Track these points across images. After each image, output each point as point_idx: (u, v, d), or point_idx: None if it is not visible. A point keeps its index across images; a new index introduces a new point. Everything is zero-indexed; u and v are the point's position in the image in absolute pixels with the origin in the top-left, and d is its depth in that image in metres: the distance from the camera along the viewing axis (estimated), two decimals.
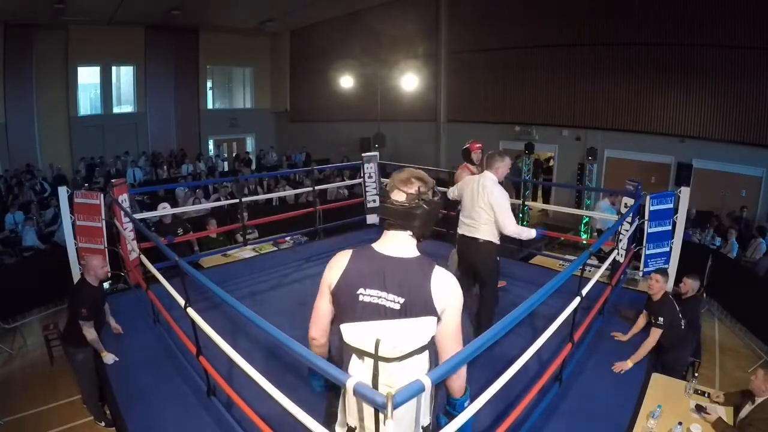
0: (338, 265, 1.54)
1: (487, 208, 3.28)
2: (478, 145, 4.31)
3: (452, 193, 3.71)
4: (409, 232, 1.52)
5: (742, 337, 5.42)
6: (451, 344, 1.49)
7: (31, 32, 11.90)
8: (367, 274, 1.48)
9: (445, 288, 1.45)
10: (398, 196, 1.52)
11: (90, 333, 3.31)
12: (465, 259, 3.55)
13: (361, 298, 1.46)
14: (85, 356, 3.45)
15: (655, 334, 3.17)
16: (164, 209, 5.29)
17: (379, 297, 1.44)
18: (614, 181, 9.34)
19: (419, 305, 1.42)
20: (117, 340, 3.56)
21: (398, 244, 1.52)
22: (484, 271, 3.43)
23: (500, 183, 3.38)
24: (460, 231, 3.53)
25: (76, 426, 3.80)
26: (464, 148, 4.35)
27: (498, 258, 3.49)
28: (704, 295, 6.09)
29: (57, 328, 4.77)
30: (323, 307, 1.60)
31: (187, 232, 5.38)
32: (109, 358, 3.31)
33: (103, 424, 3.72)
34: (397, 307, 1.43)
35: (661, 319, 3.17)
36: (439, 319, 1.46)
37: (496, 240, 3.37)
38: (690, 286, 3.91)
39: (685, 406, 2.81)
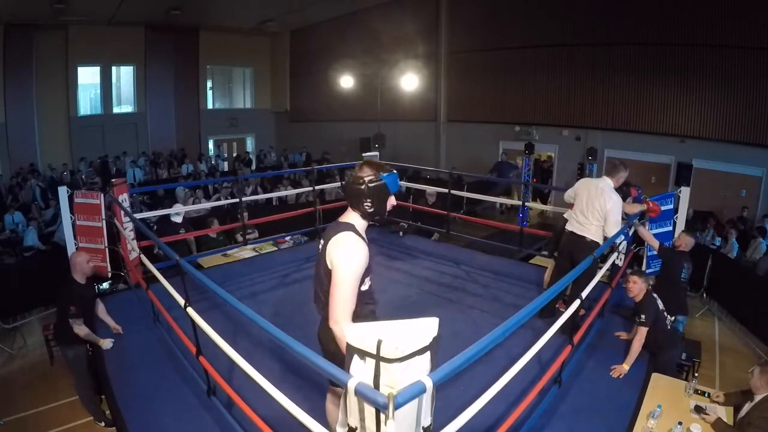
0: None
1: (602, 211, 3.49)
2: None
3: (569, 196, 3.85)
4: (355, 209, 1.91)
5: (742, 337, 5.41)
6: (332, 299, 1.76)
7: (31, 32, 11.88)
8: (325, 233, 1.96)
9: (336, 249, 1.80)
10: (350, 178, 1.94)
11: (81, 330, 3.32)
12: (568, 252, 3.75)
13: (319, 246, 1.96)
14: (75, 353, 3.46)
15: (642, 332, 3.15)
16: (177, 212, 5.29)
17: (320, 244, 1.93)
18: None
19: (325, 255, 1.84)
20: (117, 340, 3.55)
21: (347, 215, 1.94)
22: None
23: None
24: (568, 227, 3.74)
25: (76, 426, 3.78)
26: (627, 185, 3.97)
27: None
28: (705, 295, 6.10)
29: None
30: None
31: (187, 232, 5.38)
32: (107, 343, 3.33)
33: (103, 424, 3.70)
34: (320, 249, 1.91)
35: (642, 316, 3.14)
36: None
37: (601, 241, 3.56)
38: (684, 240, 3.94)
39: (685, 406, 2.81)
